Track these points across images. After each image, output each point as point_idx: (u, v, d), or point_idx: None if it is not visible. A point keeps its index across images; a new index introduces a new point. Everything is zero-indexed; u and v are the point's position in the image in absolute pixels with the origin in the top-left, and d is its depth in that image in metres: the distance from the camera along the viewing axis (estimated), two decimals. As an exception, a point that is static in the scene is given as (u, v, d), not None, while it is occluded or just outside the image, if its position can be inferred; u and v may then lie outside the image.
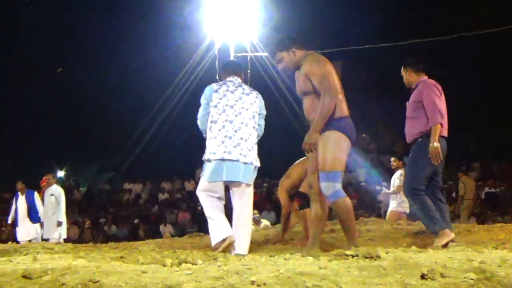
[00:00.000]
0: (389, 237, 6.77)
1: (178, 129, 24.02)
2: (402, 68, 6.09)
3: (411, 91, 5.99)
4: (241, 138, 5.28)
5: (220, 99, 5.34)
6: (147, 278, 3.14)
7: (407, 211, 10.55)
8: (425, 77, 5.93)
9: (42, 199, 12.34)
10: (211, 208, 5.35)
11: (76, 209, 23.89)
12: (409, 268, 3.28)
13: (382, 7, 23.75)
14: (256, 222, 12.37)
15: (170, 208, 22.90)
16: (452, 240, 5.43)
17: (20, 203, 12.48)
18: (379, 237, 6.80)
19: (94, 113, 28.64)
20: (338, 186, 4.99)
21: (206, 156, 5.32)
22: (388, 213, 11.47)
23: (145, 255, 4.42)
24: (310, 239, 5.36)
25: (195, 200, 19.95)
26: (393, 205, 11.27)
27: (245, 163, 5.26)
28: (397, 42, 15.27)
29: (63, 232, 12.23)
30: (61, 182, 28.85)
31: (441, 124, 5.57)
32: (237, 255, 4.88)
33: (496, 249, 4.87)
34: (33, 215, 12.34)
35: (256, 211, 13.27)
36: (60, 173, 31.09)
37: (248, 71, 15.34)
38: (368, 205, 18.70)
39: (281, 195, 6.70)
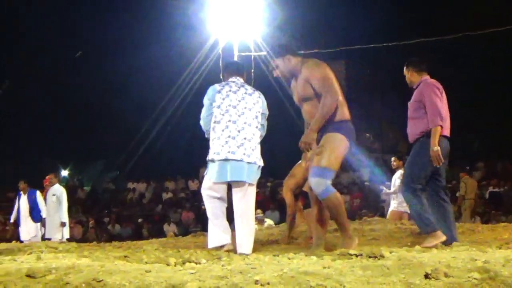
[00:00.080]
0: (392, 236, 6.77)
1: (182, 129, 23.99)
2: (405, 68, 6.10)
3: (413, 90, 6.00)
4: (245, 138, 5.29)
5: (223, 99, 5.36)
6: (151, 277, 3.14)
7: (408, 210, 10.55)
8: (427, 77, 5.93)
9: (45, 199, 12.35)
10: (213, 210, 5.39)
11: (80, 208, 23.92)
12: (413, 268, 3.29)
13: (386, 6, 23.69)
14: (260, 221, 12.38)
15: (174, 208, 22.90)
16: (443, 242, 5.42)
17: (23, 202, 12.49)
18: (383, 236, 6.80)
19: (98, 113, 28.65)
20: (329, 183, 5.00)
21: (210, 156, 5.33)
22: (388, 213, 11.47)
23: (149, 255, 4.43)
24: (314, 240, 5.37)
25: (199, 199, 19.89)
26: (393, 205, 11.26)
27: (248, 162, 5.27)
28: (401, 42, 15.24)
29: (65, 232, 12.23)
30: (65, 181, 28.96)
31: (441, 126, 5.57)
32: (240, 254, 4.89)
33: (500, 248, 4.87)
34: (34, 214, 12.34)
35: (260, 211, 13.30)
36: (64, 173, 31.13)
37: (252, 70, 15.33)
38: (372, 204, 18.68)
39: (287, 194, 6.70)
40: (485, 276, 3.13)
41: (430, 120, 5.58)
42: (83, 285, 3.02)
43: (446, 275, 3.15)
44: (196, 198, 22.12)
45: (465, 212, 13.99)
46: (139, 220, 21.68)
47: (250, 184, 5.35)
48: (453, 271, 3.25)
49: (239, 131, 5.29)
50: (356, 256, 3.94)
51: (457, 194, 14.96)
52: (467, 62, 23.24)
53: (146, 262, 4.01)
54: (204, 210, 5.54)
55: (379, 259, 3.78)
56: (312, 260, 4.02)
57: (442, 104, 5.70)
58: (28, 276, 3.20)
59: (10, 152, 26.76)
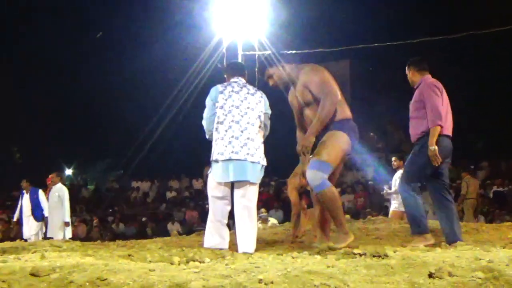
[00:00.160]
0: (397, 235, 6.75)
1: (186, 128, 24.00)
2: (406, 68, 6.10)
3: (415, 90, 5.99)
4: (248, 138, 5.29)
5: (226, 100, 5.37)
6: (155, 276, 3.15)
7: None
8: (428, 76, 5.91)
9: (48, 198, 12.36)
10: (215, 211, 5.41)
11: (84, 207, 23.99)
12: (417, 267, 3.28)
13: (391, 5, 23.68)
14: (264, 220, 12.39)
15: (178, 206, 22.93)
16: (433, 244, 5.42)
17: (25, 201, 12.52)
18: (387, 235, 6.79)
19: (103, 112, 28.74)
20: (326, 177, 5.00)
21: (213, 157, 5.34)
22: (390, 213, 11.47)
23: (152, 253, 4.43)
24: (318, 239, 5.38)
25: (203, 198, 19.98)
26: (394, 205, 11.27)
27: (252, 162, 5.27)
28: (406, 41, 15.21)
29: (67, 232, 12.23)
30: (69, 180, 29.03)
31: (440, 126, 5.56)
32: (244, 253, 4.89)
33: (504, 248, 4.86)
34: (36, 213, 12.34)
35: (264, 210, 13.30)
36: (69, 171, 31.22)
37: (256, 69, 15.31)
38: (376, 203, 18.67)
39: (291, 193, 6.69)
40: (489, 275, 3.12)
41: (430, 120, 5.58)
42: (87, 283, 3.02)
43: (450, 275, 3.15)
44: (200, 197, 22.16)
45: (468, 211, 13.95)
46: (143, 219, 21.70)
47: (253, 184, 5.35)
48: (457, 270, 3.25)
49: (242, 131, 5.30)
50: (360, 255, 3.93)
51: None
52: (472, 61, 23.23)
53: (150, 261, 4.01)
54: (208, 209, 5.56)
55: (383, 258, 3.78)
56: (316, 259, 4.02)
57: (442, 103, 5.68)
58: (32, 274, 3.20)
59: (15, 151, 26.85)
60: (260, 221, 11.85)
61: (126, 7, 26.63)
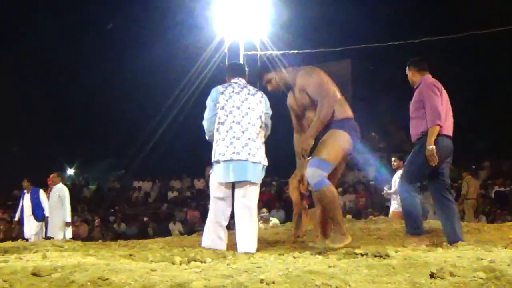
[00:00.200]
0: (398, 235, 6.75)
1: (188, 127, 23.99)
2: (406, 68, 6.11)
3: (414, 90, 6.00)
4: (249, 138, 5.30)
5: (227, 100, 5.38)
6: (156, 276, 3.15)
7: None
8: (428, 76, 5.91)
9: (49, 198, 12.36)
10: (216, 212, 5.42)
11: (85, 207, 23.99)
12: (418, 267, 3.28)
13: (391, 5, 23.67)
14: (266, 220, 12.39)
15: (180, 206, 22.91)
16: (427, 245, 5.42)
17: (26, 201, 12.52)
18: (388, 236, 6.79)
19: (104, 112, 28.72)
20: (325, 175, 5.00)
21: (215, 157, 5.34)
22: (390, 213, 11.47)
23: (154, 253, 4.44)
24: (319, 239, 5.37)
25: (205, 198, 19.96)
26: (394, 206, 11.28)
27: (253, 162, 5.28)
28: (406, 41, 15.19)
29: (67, 232, 12.23)
30: (71, 180, 29.04)
31: (439, 126, 5.56)
32: (245, 253, 4.89)
33: (505, 248, 4.86)
34: (37, 213, 12.32)
35: (265, 210, 13.30)
36: (70, 171, 31.22)
37: (256, 74, 15.27)
38: (377, 203, 18.66)
39: (293, 193, 6.69)
40: (491, 275, 3.12)
41: (429, 119, 5.58)
42: (89, 283, 3.03)
43: (451, 275, 3.15)
44: (201, 197, 22.13)
45: (468, 212, 13.95)
46: (145, 219, 21.68)
47: (254, 184, 5.35)
48: (458, 270, 3.25)
49: (243, 132, 5.31)
50: (362, 255, 3.94)
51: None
52: (472, 61, 23.21)
53: (151, 261, 4.01)
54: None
55: (384, 258, 3.78)
56: (318, 259, 4.02)
57: (442, 103, 5.68)
58: (34, 274, 3.21)
59: (17, 151, 26.86)
60: (261, 221, 11.85)
61: (126, 7, 26.64)
